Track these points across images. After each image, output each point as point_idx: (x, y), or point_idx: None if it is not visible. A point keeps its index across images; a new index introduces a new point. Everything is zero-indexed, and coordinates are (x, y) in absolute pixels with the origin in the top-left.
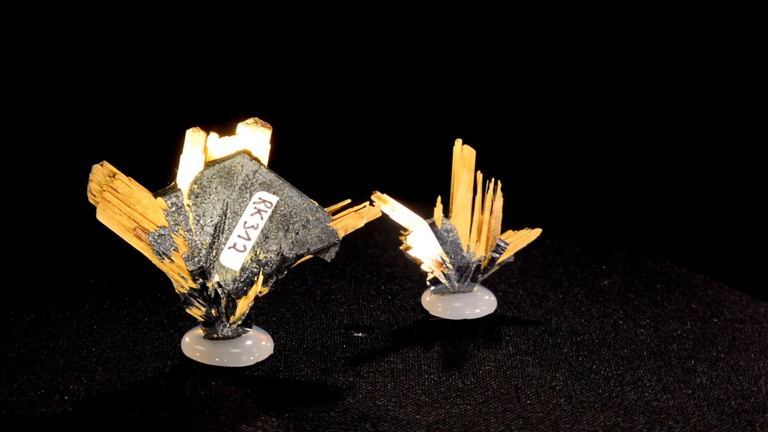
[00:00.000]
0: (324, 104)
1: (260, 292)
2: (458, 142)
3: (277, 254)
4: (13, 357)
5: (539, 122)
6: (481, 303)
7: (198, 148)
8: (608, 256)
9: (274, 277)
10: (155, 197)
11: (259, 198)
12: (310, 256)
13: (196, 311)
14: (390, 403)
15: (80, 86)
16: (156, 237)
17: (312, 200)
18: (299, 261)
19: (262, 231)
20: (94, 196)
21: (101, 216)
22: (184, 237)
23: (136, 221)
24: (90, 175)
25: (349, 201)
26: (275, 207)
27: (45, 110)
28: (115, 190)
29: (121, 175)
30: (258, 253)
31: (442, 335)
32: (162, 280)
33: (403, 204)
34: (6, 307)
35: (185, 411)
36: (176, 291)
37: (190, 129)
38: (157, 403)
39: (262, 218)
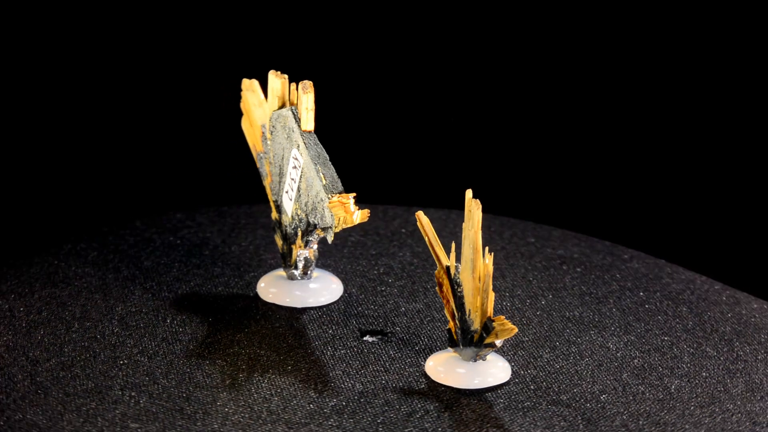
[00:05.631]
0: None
1: (300, 246)
2: (468, 192)
3: (306, 214)
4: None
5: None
6: (493, 371)
7: (274, 91)
8: None
9: (306, 237)
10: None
11: (293, 156)
12: (322, 233)
13: (278, 240)
14: None
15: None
16: (259, 158)
17: (324, 177)
18: (320, 232)
19: (298, 187)
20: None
21: (243, 124)
22: (269, 167)
23: (254, 139)
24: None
25: (354, 195)
26: (302, 170)
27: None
28: (244, 105)
29: (254, 96)
30: (297, 208)
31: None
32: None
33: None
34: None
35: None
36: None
37: (271, 71)
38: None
39: (296, 175)
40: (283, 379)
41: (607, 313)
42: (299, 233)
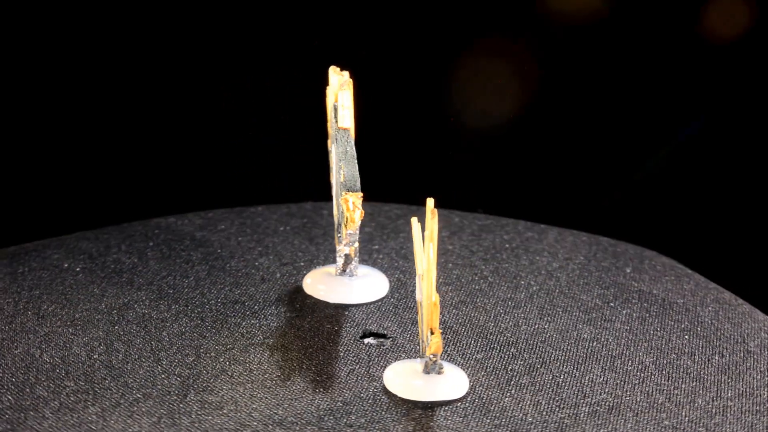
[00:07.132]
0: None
1: (338, 243)
2: (430, 201)
3: (336, 210)
4: None
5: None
6: (448, 385)
7: (333, 85)
8: None
9: (338, 234)
10: None
11: (332, 152)
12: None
13: (336, 235)
14: None
15: None
16: (329, 152)
17: (344, 175)
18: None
19: (336, 184)
20: None
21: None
22: (331, 162)
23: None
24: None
25: (361, 195)
26: (337, 167)
27: None
28: (327, 101)
29: (332, 86)
30: (336, 204)
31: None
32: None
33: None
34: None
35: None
36: None
37: (331, 66)
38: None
39: (335, 171)
40: (244, 372)
41: (634, 352)
42: (339, 230)
